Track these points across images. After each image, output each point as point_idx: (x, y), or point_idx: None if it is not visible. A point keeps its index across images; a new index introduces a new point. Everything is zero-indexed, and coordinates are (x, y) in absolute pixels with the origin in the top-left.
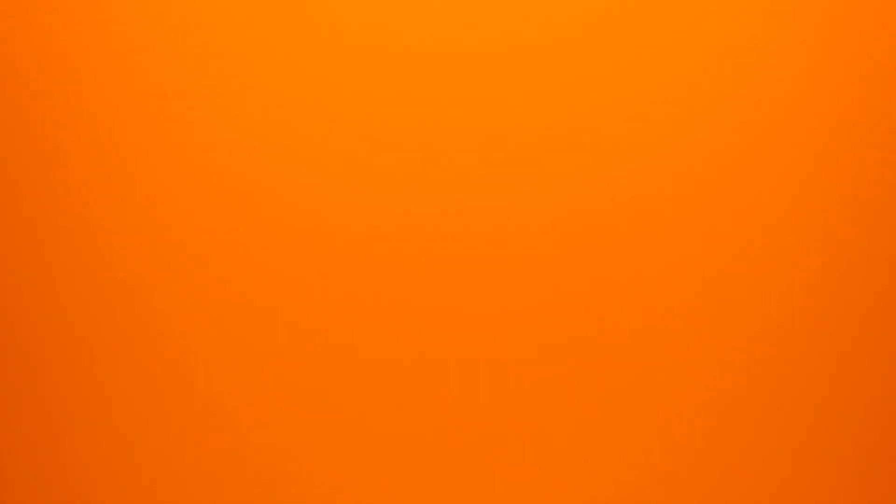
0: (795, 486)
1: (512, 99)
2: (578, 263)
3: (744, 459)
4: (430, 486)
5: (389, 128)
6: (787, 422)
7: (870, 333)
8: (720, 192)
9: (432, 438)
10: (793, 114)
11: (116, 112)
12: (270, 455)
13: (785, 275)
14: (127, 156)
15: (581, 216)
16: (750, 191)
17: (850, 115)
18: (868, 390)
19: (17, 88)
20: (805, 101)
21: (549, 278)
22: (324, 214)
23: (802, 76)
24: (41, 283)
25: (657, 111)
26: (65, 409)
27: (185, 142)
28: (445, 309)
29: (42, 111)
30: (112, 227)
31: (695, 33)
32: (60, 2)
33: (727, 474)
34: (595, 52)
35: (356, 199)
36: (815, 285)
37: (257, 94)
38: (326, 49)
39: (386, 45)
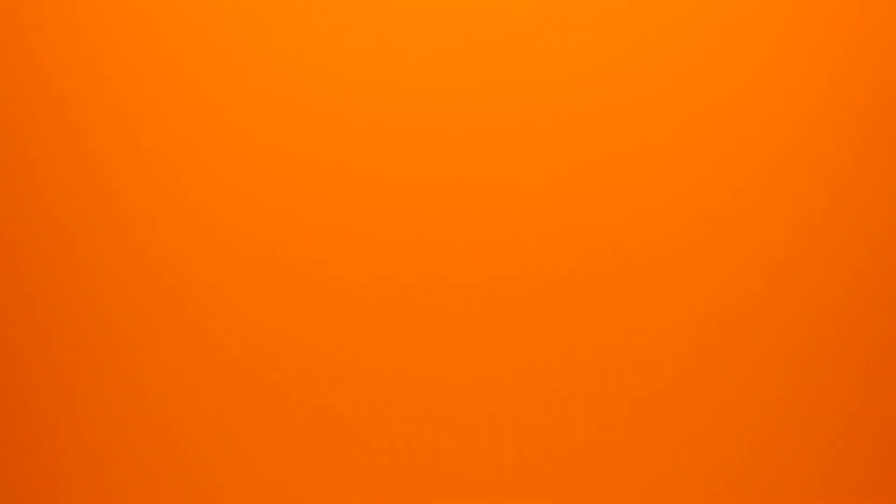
0: (794, 485)
1: (511, 96)
2: (578, 262)
3: (744, 459)
4: (426, 485)
5: (389, 123)
6: (785, 421)
7: (870, 330)
8: (719, 192)
9: (429, 440)
10: (792, 110)
11: (124, 107)
12: (273, 451)
13: (783, 273)
14: (137, 151)
15: (577, 213)
16: (747, 188)
17: (849, 113)
18: (868, 389)
19: (25, 85)
20: (804, 98)
21: (546, 275)
22: (328, 213)
23: (802, 73)
24: (51, 281)
25: (656, 110)
26: (73, 408)
27: (194, 137)
28: (445, 305)
29: (48, 107)
30: (119, 224)
31: (695, 27)
32: None
33: (725, 473)
34: (594, 46)
35: (360, 200)
36: (814, 285)
37: (264, 86)
38: (326, 42)
39: (385, 38)
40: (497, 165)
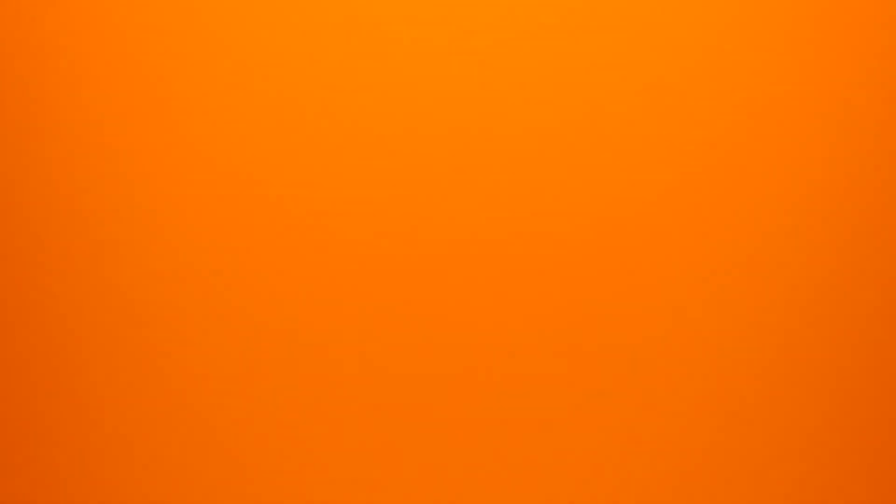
0: (794, 486)
1: (511, 99)
2: (578, 265)
3: (743, 460)
4: (428, 487)
5: (388, 129)
6: (785, 422)
7: (870, 333)
8: (719, 194)
9: (431, 439)
10: (792, 113)
11: (115, 111)
12: (270, 456)
13: (783, 275)
14: (127, 156)
15: (580, 217)
16: (749, 192)
17: (850, 114)
18: (868, 390)
19: (17, 88)
20: (804, 100)
21: (549, 279)
22: (323, 218)
23: (802, 75)
24: (41, 283)
25: (656, 111)
26: (65, 409)
27: (185, 142)
28: (445, 311)
29: (41, 110)
30: (110, 228)
31: (695, 32)
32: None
33: (726, 476)
34: (594, 52)
35: (355, 203)
36: (813, 286)
37: (256, 92)
38: (325, 47)
39: (385, 43)
40: (497, 168)
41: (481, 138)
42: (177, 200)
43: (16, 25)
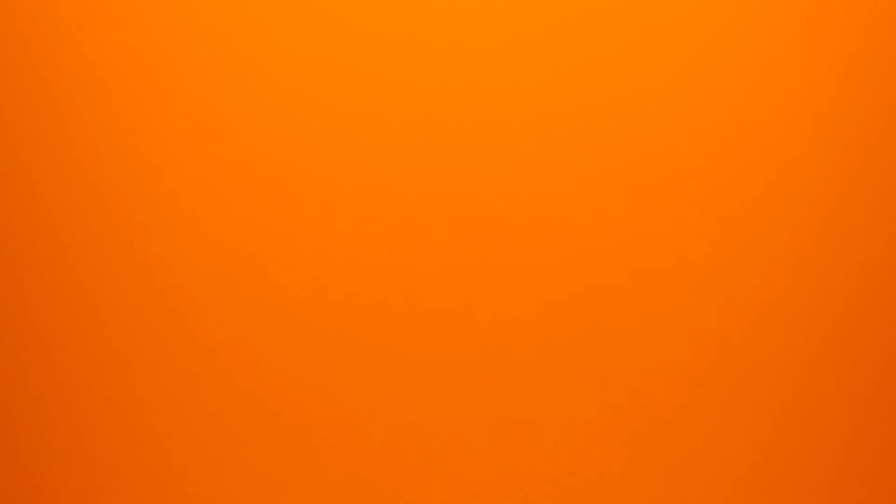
0: (792, 486)
1: (511, 97)
2: (576, 263)
3: (740, 460)
4: (426, 486)
5: (388, 126)
6: (784, 422)
7: (867, 333)
8: (718, 192)
9: (432, 438)
10: (790, 113)
11: (120, 109)
12: (274, 455)
13: (782, 274)
14: (134, 154)
15: (578, 215)
16: (747, 190)
17: (848, 115)
18: (866, 389)
19: (21, 85)
20: (803, 100)
21: (548, 277)
22: (326, 216)
23: (800, 74)
24: (46, 282)
25: (655, 110)
26: (69, 410)
27: (191, 140)
28: (445, 308)
29: (45, 108)
30: (115, 227)
31: (694, 31)
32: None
33: (724, 475)
34: (593, 50)
35: (357, 203)
36: (813, 285)
37: (261, 89)
38: (327, 45)
39: (386, 40)
40: (498, 170)
41: (484, 132)
42: (188, 198)
43: (24, 20)
